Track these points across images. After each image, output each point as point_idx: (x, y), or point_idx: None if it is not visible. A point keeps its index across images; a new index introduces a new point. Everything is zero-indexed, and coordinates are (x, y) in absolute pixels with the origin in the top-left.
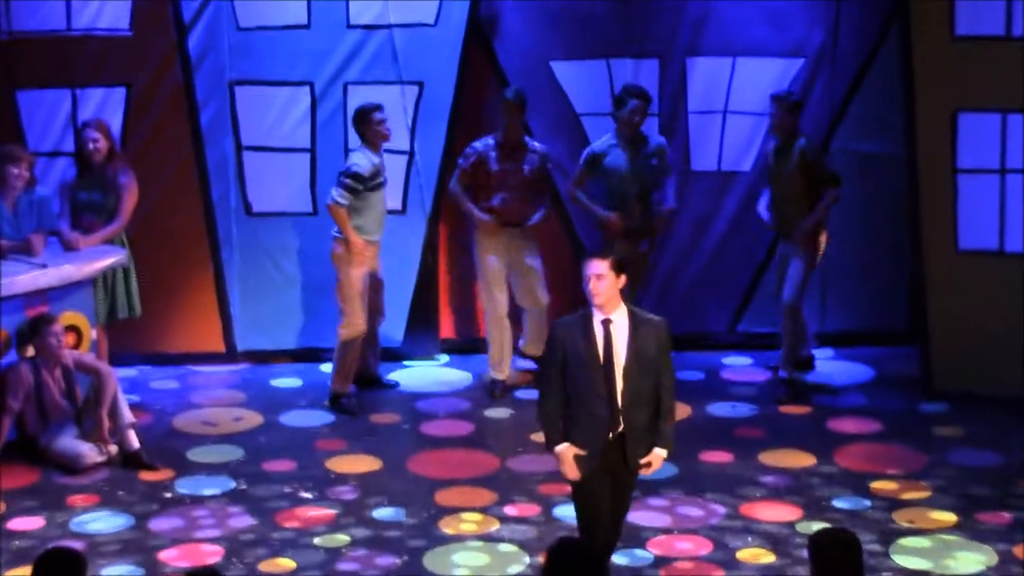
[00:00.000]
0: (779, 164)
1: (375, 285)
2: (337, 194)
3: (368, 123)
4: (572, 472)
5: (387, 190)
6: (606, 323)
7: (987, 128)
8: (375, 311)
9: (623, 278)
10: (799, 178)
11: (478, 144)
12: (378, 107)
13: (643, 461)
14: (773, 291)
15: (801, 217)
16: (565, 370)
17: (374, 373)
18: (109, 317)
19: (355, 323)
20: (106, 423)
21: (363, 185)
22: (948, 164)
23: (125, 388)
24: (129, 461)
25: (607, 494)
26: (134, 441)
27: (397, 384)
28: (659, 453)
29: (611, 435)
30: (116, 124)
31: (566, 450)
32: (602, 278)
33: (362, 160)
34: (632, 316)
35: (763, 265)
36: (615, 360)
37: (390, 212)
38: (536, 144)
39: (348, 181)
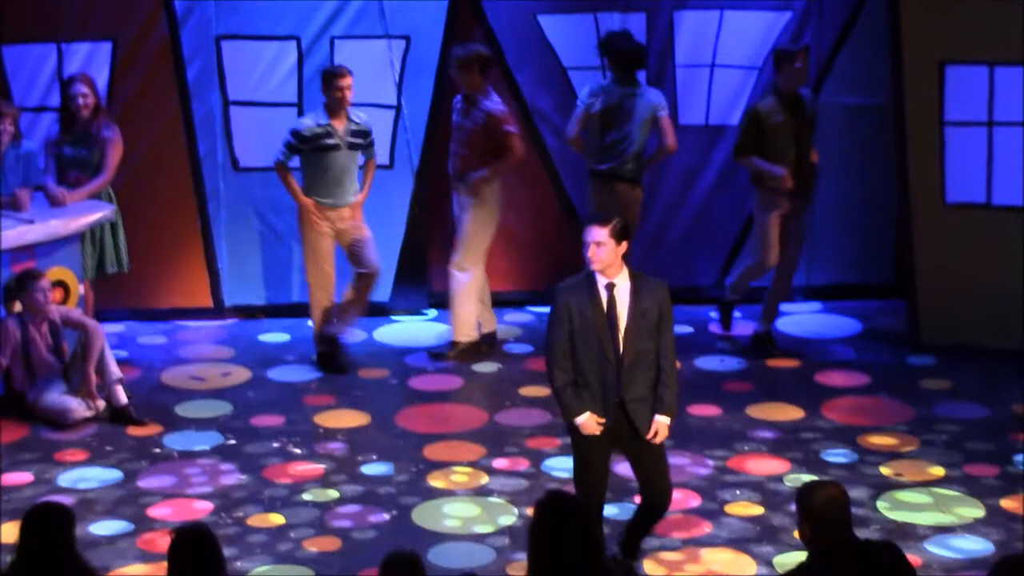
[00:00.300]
0: (794, 120)
1: (355, 246)
2: (277, 151)
3: (328, 86)
4: (593, 428)
5: (375, 146)
6: (610, 287)
7: (974, 81)
8: (363, 271)
9: (624, 244)
10: (811, 133)
11: (458, 96)
12: (340, 73)
13: (649, 434)
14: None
15: (811, 173)
16: (572, 332)
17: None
18: (97, 272)
19: (311, 285)
20: (93, 378)
21: (306, 145)
22: (935, 117)
23: (113, 344)
24: (117, 416)
25: (606, 463)
26: (122, 396)
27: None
28: (662, 420)
29: (616, 399)
30: (102, 79)
31: (588, 419)
32: (601, 245)
33: (307, 120)
34: (634, 279)
35: (751, 218)
36: (619, 324)
37: (378, 167)
38: (490, 103)
39: (288, 139)
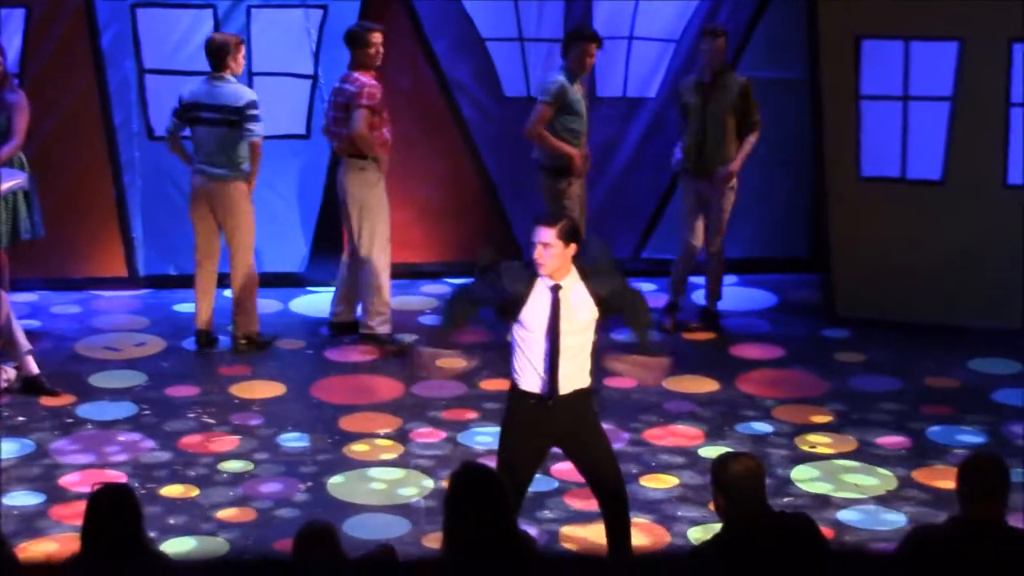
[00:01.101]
0: (708, 101)
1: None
2: (256, 127)
3: (241, 54)
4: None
5: (289, 115)
6: (555, 290)
7: (890, 55)
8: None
9: (573, 247)
10: (731, 117)
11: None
12: (234, 41)
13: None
14: (678, 228)
15: (724, 158)
16: (513, 313)
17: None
18: (12, 239)
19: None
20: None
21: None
22: (851, 91)
23: (26, 313)
24: (29, 386)
25: (529, 462)
26: (33, 367)
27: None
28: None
29: (554, 401)
30: (15, 46)
31: (427, 351)
32: (548, 247)
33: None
34: (585, 279)
35: (668, 192)
36: (559, 329)
37: (294, 136)
38: (351, 81)
39: (258, 113)
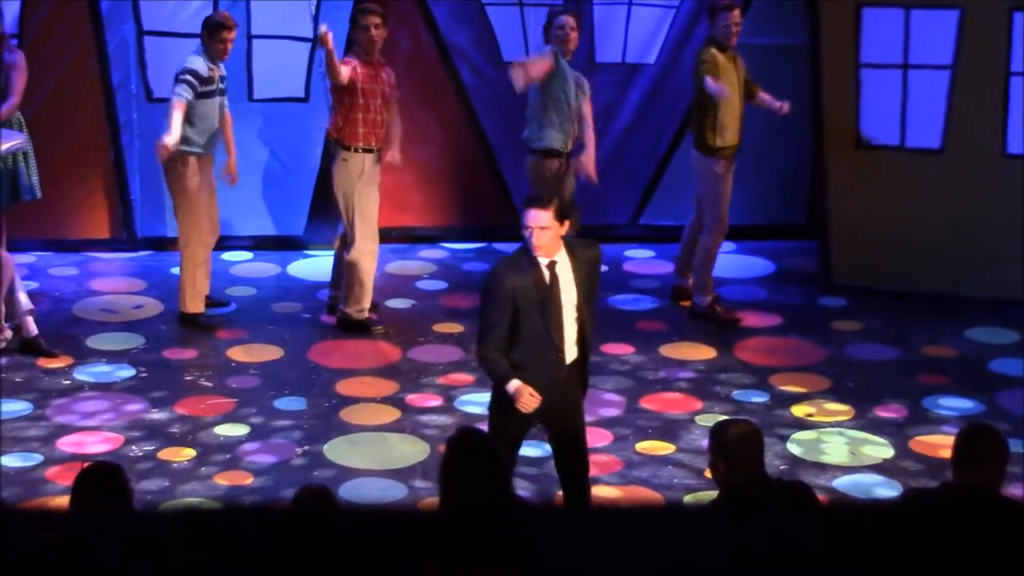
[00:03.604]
0: (735, 75)
1: (211, 197)
2: (181, 90)
3: (214, 37)
4: (531, 402)
5: (288, 78)
6: (551, 265)
7: (891, 23)
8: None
9: (567, 224)
10: (744, 90)
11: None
12: (227, 26)
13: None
14: (713, 208)
15: (740, 132)
16: (515, 313)
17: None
18: (12, 200)
19: (191, 241)
20: (2, 309)
21: (200, 85)
22: (852, 58)
23: (24, 275)
24: (27, 347)
25: (519, 440)
26: (32, 327)
27: (231, 303)
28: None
29: (560, 378)
30: (14, 7)
31: (522, 386)
32: (545, 230)
33: (199, 62)
34: (570, 252)
35: (666, 158)
36: (564, 299)
37: (293, 100)
38: None
39: (188, 77)
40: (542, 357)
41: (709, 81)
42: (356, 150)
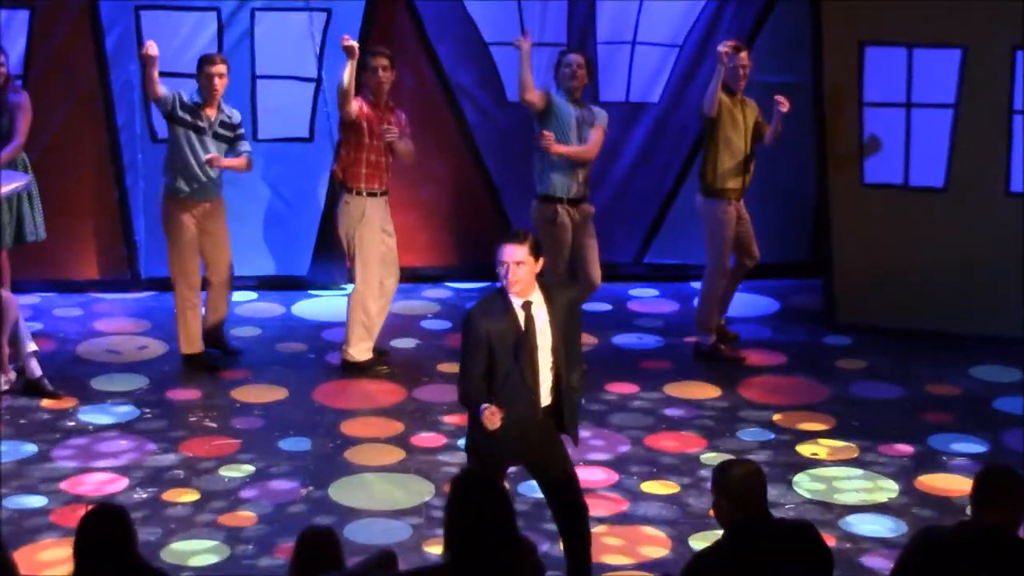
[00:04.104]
0: (741, 118)
1: (213, 245)
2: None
3: (200, 72)
4: (493, 420)
5: (292, 118)
6: (526, 306)
7: (894, 62)
8: (215, 281)
9: (542, 260)
10: (753, 133)
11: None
12: (211, 60)
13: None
14: (711, 249)
15: (746, 177)
16: (491, 357)
17: (217, 337)
18: (16, 241)
19: (175, 283)
20: (6, 351)
21: (180, 110)
22: (855, 97)
23: (28, 315)
24: (31, 389)
25: (502, 472)
26: (36, 369)
27: (239, 350)
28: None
29: (534, 422)
30: (19, 48)
31: (487, 407)
32: (521, 265)
33: (188, 92)
34: (545, 292)
35: (671, 196)
36: (540, 341)
37: (298, 140)
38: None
39: (172, 92)
40: (517, 399)
41: (707, 107)
42: (359, 192)
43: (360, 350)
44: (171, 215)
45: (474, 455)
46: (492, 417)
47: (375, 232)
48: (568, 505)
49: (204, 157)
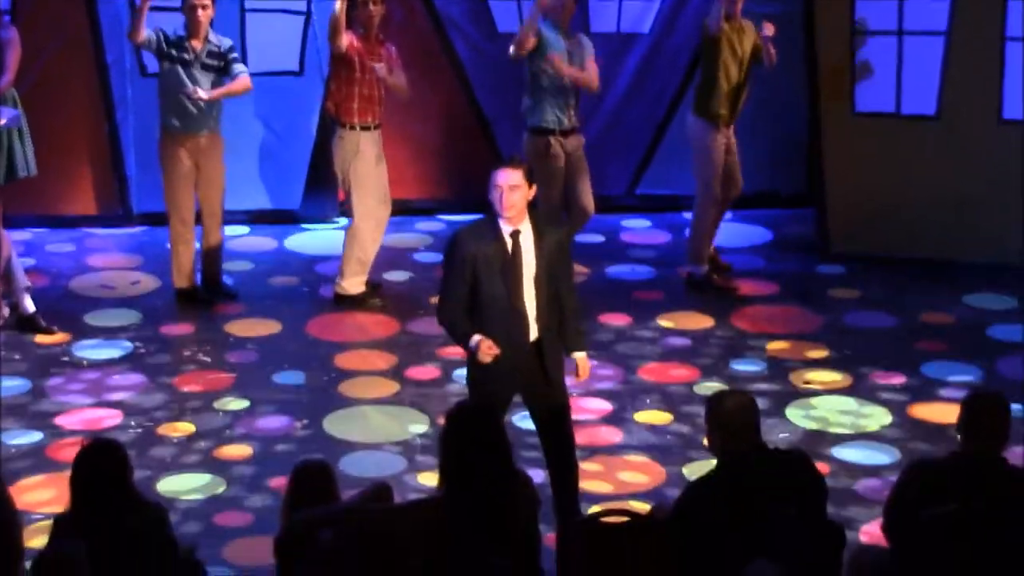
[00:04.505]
0: (738, 44)
1: (206, 182)
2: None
3: (185, 4)
4: (489, 353)
5: (282, 52)
6: (515, 235)
7: None
8: (207, 214)
9: (534, 188)
10: (751, 59)
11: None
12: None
13: (577, 378)
14: (701, 178)
15: (738, 104)
16: (475, 281)
17: (212, 279)
18: (8, 176)
19: (170, 219)
20: None
21: (167, 46)
22: (846, 26)
23: (20, 251)
24: (25, 324)
25: (504, 405)
26: (29, 305)
27: (235, 293)
28: (582, 356)
29: (526, 348)
30: None
31: (481, 339)
32: (515, 189)
33: (170, 28)
34: (535, 224)
35: (662, 127)
36: (525, 271)
37: (287, 73)
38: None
39: (154, 30)
40: (507, 325)
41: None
42: (352, 127)
43: (354, 283)
44: (165, 150)
45: (474, 388)
46: (489, 351)
47: (370, 166)
48: (556, 435)
49: (186, 90)
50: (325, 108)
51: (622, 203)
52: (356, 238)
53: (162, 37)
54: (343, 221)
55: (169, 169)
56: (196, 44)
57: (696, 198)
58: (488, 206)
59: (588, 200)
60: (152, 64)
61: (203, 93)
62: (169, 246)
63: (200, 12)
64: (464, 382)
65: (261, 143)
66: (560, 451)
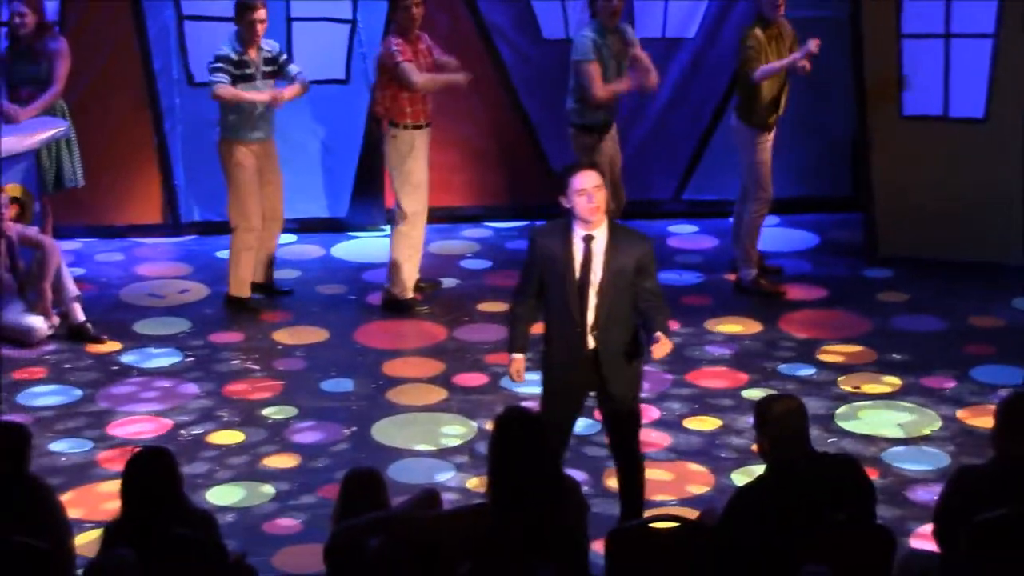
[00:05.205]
0: (775, 55)
1: (273, 187)
2: (218, 77)
3: (242, 19)
4: (517, 378)
5: (327, 60)
6: (587, 239)
7: None
8: (269, 217)
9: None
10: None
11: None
12: (252, 6)
13: (656, 350)
14: (752, 183)
15: (783, 104)
16: (543, 278)
17: (270, 280)
18: (56, 186)
19: (238, 228)
20: (49, 296)
21: (235, 69)
22: (893, 29)
23: (70, 261)
24: (75, 334)
25: (573, 412)
26: (79, 314)
27: (291, 290)
28: (661, 336)
29: (583, 355)
30: None
31: (518, 361)
32: (600, 189)
33: (226, 48)
34: (612, 232)
35: (708, 132)
36: (591, 279)
37: (334, 82)
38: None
39: (219, 65)
40: (564, 331)
41: (756, 76)
42: (405, 127)
43: (401, 290)
44: (231, 158)
45: (545, 378)
46: (516, 375)
47: (423, 165)
48: (622, 439)
49: (263, 98)
50: (373, 114)
51: (668, 209)
52: (406, 239)
53: (231, 69)
54: (389, 228)
55: (237, 176)
56: (252, 54)
57: (749, 201)
58: (536, 211)
59: (621, 185)
60: (199, 74)
61: (286, 93)
62: (229, 255)
63: (259, 26)
64: (511, 389)
65: (308, 151)
66: (622, 461)
